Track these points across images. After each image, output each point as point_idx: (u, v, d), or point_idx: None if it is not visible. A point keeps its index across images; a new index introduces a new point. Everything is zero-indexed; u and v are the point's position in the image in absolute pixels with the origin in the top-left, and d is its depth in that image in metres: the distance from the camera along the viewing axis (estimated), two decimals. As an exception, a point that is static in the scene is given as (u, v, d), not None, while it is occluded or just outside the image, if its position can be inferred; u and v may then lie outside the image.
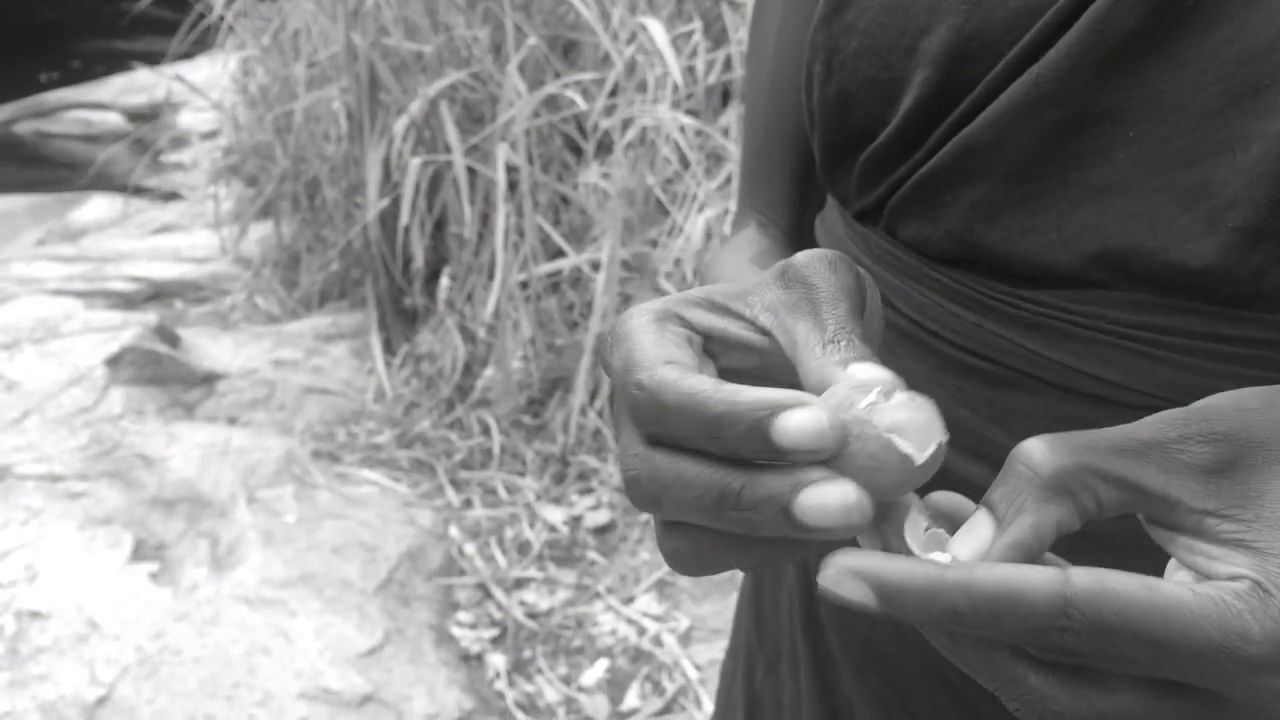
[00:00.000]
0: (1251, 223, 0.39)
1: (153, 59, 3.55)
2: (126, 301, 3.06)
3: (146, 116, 4.98)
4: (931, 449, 0.30)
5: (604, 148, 2.50)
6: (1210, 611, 0.28)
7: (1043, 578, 0.28)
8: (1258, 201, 0.38)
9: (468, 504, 2.21)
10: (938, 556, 0.30)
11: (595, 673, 1.82)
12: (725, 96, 2.54)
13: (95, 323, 2.61)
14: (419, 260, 2.50)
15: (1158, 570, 0.31)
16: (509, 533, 2.13)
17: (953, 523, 0.32)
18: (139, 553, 1.91)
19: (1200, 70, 0.39)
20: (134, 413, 2.30)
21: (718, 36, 2.57)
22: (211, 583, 1.84)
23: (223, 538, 1.97)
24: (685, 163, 2.35)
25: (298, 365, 2.57)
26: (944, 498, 0.33)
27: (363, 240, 2.64)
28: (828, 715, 0.59)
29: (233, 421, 2.38)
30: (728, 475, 0.30)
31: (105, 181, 4.16)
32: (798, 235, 0.60)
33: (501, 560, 2.06)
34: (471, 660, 1.83)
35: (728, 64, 2.49)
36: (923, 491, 0.33)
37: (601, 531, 2.15)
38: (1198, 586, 0.29)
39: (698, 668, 1.81)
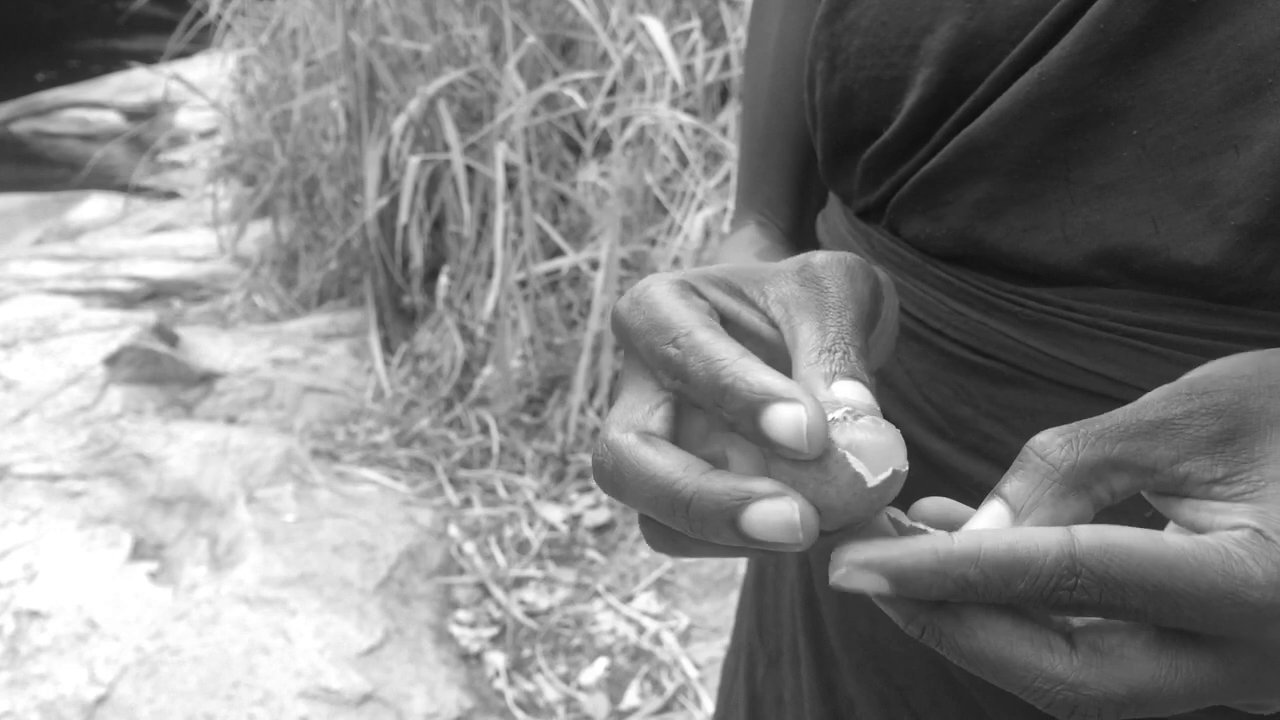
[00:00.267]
0: (1254, 221, 0.39)
1: (150, 58, 3.55)
2: (125, 301, 3.06)
3: (144, 115, 4.98)
4: (886, 474, 0.30)
5: (602, 146, 2.50)
6: (1214, 559, 0.28)
7: (1049, 539, 0.28)
8: (1260, 200, 0.38)
9: (467, 503, 2.21)
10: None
11: (595, 671, 1.82)
12: (724, 95, 2.54)
13: (94, 322, 2.60)
14: (418, 259, 2.50)
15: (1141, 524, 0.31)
16: (508, 531, 2.14)
17: (947, 528, 0.32)
18: (138, 552, 1.91)
19: (1203, 69, 0.39)
20: (133, 412, 2.30)
21: (716, 35, 2.57)
22: (211, 582, 1.84)
23: (222, 537, 1.97)
24: (684, 161, 2.35)
25: (296, 364, 2.57)
26: (933, 504, 0.33)
27: (361, 239, 2.64)
28: (829, 713, 0.59)
29: (231, 421, 2.38)
30: (682, 481, 0.31)
31: (103, 180, 4.16)
32: (798, 235, 0.60)
33: (501, 559, 2.06)
34: (471, 659, 1.83)
35: (726, 62, 2.49)
36: (923, 494, 0.33)
37: (601, 530, 2.15)
38: (1201, 537, 0.29)
39: (697, 666, 1.81)
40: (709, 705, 1.73)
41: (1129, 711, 0.29)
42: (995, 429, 0.47)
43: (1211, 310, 0.41)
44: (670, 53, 2.26)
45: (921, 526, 0.31)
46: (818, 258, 0.37)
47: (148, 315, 2.67)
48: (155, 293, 3.15)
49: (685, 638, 1.88)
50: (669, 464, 0.32)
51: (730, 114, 2.42)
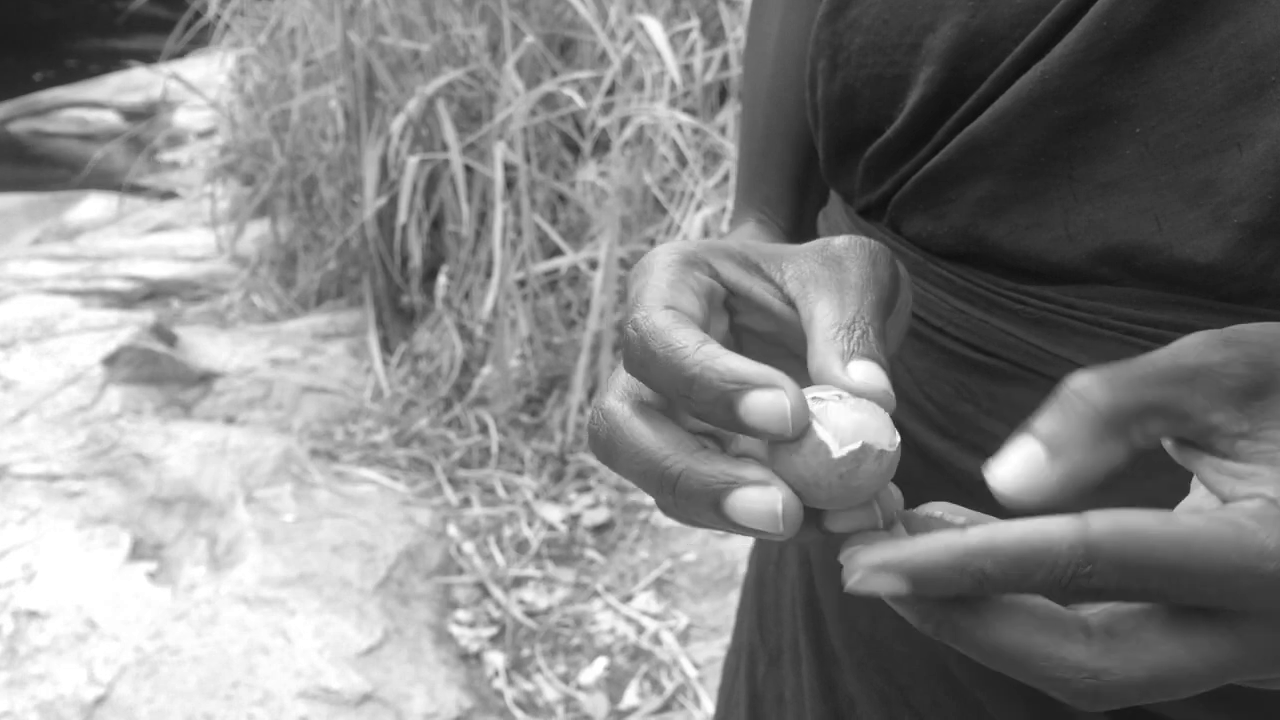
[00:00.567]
0: (1257, 219, 0.39)
1: (149, 57, 3.55)
2: (123, 300, 3.06)
3: (143, 115, 4.98)
4: (855, 445, 0.30)
5: (601, 146, 2.50)
6: (1227, 535, 0.28)
7: (1063, 527, 0.28)
8: (1264, 198, 0.38)
9: (466, 502, 2.21)
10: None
11: (594, 671, 1.82)
12: (723, 94, 2.54)
13: (92, 322, 2.60)
14: (416, 259, 2.50)
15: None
16: (507, 531, 2.13)
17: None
18: (137, 552, 1.91)
19: (1206, 66, 0.39)
20: (131, 412, 2.30)
21: (715, 34, 2.57)
22: (210, 582, 1.84)
23: (221, 537, 1.97)
24: (683, 161, 2.35)
25: (295, 364, 2.57)
26: (940, 509, 0.33)
27: (360, 239, 2.64)
28: (830, 711, 0.59)
29: (230, 420, 2.38)
30: (671, 458, 0.31)
31: (101, 180, 4.16)
32: (797, 234, 0.60)
33: (500, 559, 2.06)
34: (470, 659, 1.83)
35: (725, 62, 2.49)
36: (925, 492, 0.33)
37: (600, 530, 2.15)
38: (1214, 512, 0.29)
39: (696, 666, 1.81)
40: (708, 705, 1.73)
41: (1152, 695, 0.29)
42: (997, 427, 0.47)
43: (1214, 308, 0.41)
44: (669, 52, 2.26)
45: (937, 514, 0.31)
46: (840, 239, 0.37)
47: (146, 315, 2.67)
48: (153, 292, 3.15)
49: (684, 637, 1.88)
50: (660, 440, 0.32)
51: (729, 113, 2.42)
